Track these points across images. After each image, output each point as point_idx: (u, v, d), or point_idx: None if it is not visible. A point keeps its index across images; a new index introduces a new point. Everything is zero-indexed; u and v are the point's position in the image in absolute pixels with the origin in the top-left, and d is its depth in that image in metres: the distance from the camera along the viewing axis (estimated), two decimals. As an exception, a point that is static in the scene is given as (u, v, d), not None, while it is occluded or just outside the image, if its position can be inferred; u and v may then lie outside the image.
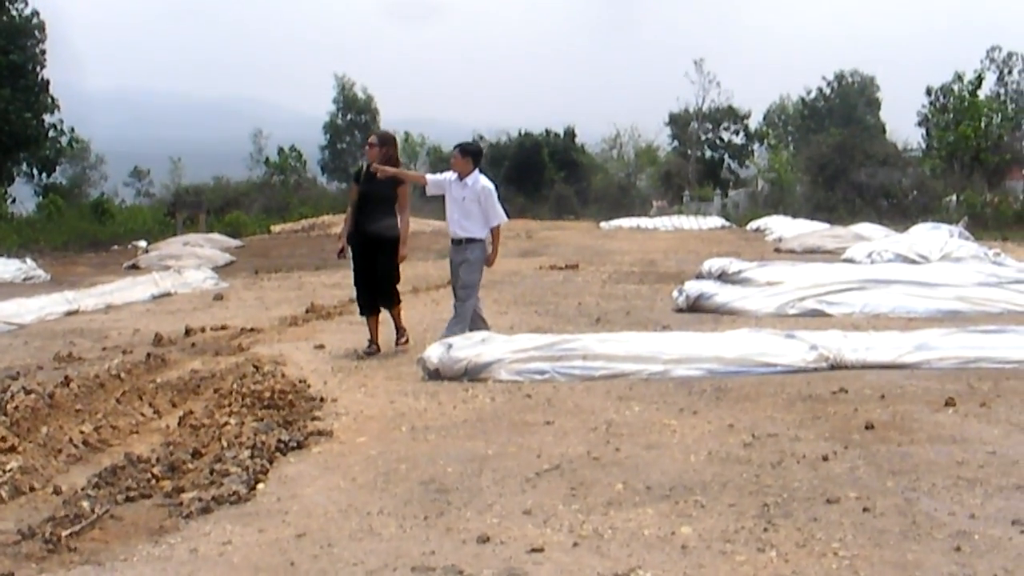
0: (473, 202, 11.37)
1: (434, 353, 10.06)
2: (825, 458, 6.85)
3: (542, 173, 61.20)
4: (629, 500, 6.05)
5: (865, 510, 5.75)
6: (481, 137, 66.83)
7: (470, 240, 11.43)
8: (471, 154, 11.66)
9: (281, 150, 64.55)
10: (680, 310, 14.74)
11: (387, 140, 12.06)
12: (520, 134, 64.93)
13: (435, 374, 9.91)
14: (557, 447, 7.32)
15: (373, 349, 11.66)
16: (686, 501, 5.99)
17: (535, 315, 14.64)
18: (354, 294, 12.23)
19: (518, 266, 23.38)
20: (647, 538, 5.42)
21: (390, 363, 10.97)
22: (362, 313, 11.96)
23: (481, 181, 11.45)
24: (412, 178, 12.75)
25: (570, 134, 66.81)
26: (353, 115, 73.64)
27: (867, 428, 7.68)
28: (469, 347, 10.16)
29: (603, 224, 43.97)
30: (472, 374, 9.80)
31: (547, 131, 65.83)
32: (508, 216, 12.14)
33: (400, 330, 12.07)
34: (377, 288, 11.76)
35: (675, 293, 15.42)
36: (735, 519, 5.66)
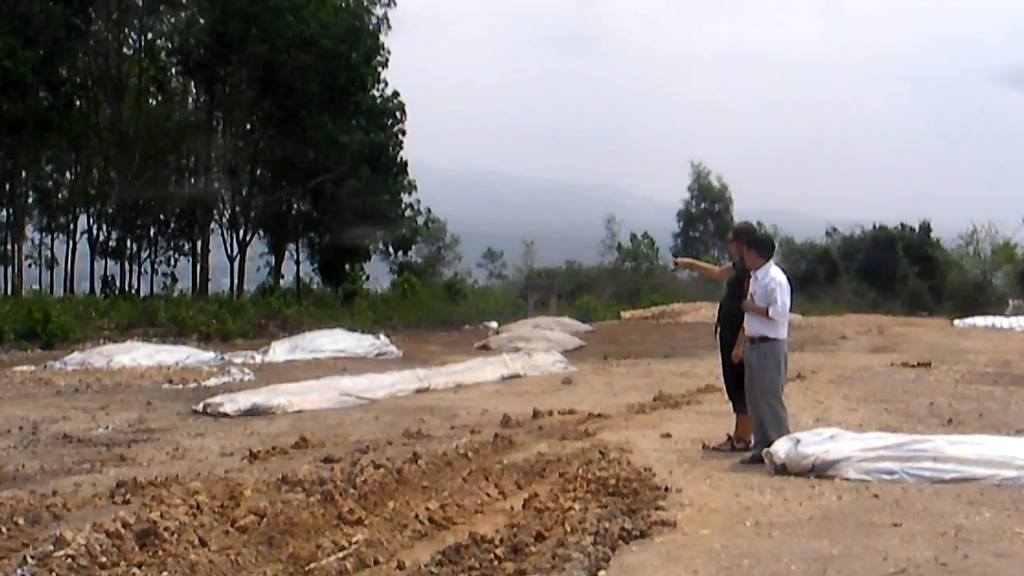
0: (762, 298, 10.70)
1: (782, 448, 9.99)
2: None
3: (895, 267, 60.18)
4: (979, 611, 5.87)
5: None
6: (835, 229, 66.36)
7: (763, 339, 10.70)
8: (756, 246, 11.02)
9: (634, 236, 65.41)
10: (1037, 415, 14.13)
11: (736, 233, 11.93)
12: (874, 227, 64.24)
13: (782, 469, 9.81)
14: (904, 550, 7.14)
15: (731, 445, 11.31)
16: (1040, 617, 5.77)
17: (885, 413, 14.28)
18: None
19: (869, 362, 22.93)
20: (998, 653, 5.26)
21: (736, 456, 10.89)
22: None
23: (771, 273, 10.78)
24: (703, 269, 13.72)
25: (925, 228, 65.39)
26: (707, 204, 73.89)
27: None
28: (817, 443, 10.05)
29: (957, 322, 42.71)
30: (819, 471, 9.64)
31: (902, 225, 64.92)
32: (790, 311, 10.99)
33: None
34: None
35: (1033, 397, 14.80)
36: (1094, 640, 5.42)
